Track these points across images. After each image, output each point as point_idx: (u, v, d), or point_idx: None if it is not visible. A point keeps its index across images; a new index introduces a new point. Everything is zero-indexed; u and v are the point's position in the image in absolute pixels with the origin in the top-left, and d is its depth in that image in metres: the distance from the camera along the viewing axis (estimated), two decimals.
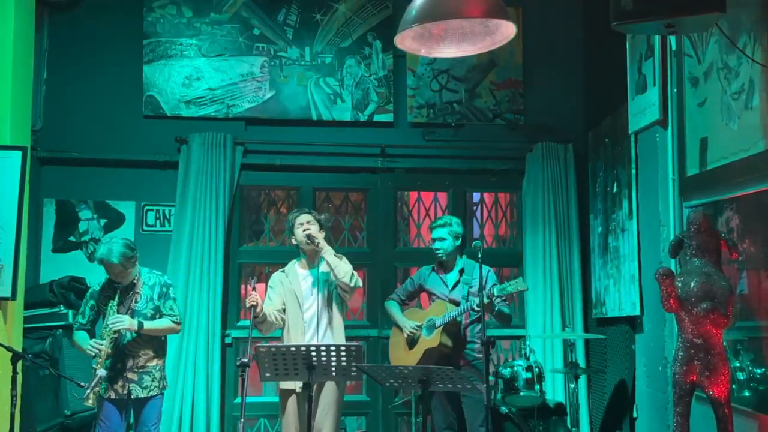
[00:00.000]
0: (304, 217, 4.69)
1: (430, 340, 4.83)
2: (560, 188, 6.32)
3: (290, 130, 6.41)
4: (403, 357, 4.96)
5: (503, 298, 4.63)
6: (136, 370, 4.58)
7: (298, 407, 4.53)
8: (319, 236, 4.59)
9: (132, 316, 4.55)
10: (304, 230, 4.62)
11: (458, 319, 4.77)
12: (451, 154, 6.49)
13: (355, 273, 4.61)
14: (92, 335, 4.66)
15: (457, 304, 4.83)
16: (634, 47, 5.03)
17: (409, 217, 6.74)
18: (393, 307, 5.16)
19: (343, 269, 4.54)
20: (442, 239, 4.94)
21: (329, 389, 4.54)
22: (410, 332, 4.93)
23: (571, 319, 6.18)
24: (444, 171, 6.52)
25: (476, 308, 4.59)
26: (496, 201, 6.76)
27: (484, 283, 4.74)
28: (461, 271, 4.95)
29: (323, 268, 4.61)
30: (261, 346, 4.04)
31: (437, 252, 4.96)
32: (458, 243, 4.98)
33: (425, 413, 4.01)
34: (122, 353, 4.55)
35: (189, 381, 5.88)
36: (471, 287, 4.81)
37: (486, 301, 4.52)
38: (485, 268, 4.82)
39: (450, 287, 4.95)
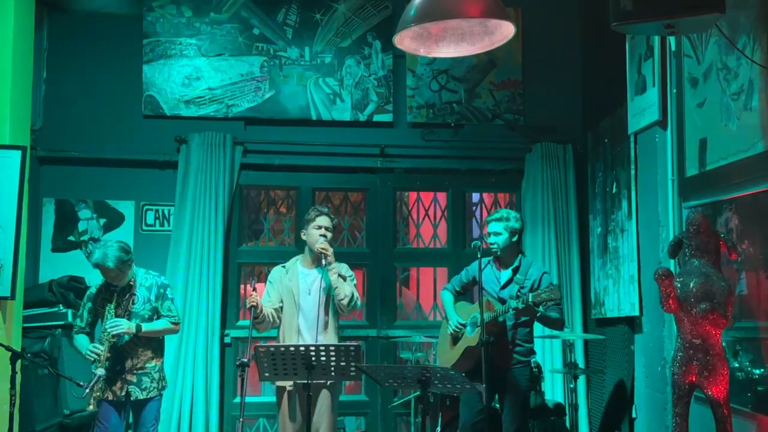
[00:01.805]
0: (324, 220, 4.63)
1: (471, 339, 4.62)
2: (559, 189, 6.32)
3: (290, 130, 6.41)
4: (446, 353, 4.80)
5: (541, 303, 4.40)
6: (135, 371, 4.58)
7: (290, 405, 4.53)
8: (331, 252, 4.54)
9: (129, 318, 4.55)
10: (322, 236, 4.57)
11: (500, 319, 4.52)
12: (451, 154, 6.49)
13: (356, 295, 4.58)
14: (92, 337, 4.66)
15: (503, 303, 4.60)
16: (633, 48, 5.03)
17: (409, 217, 6.75)
18: (446, 298, 4.94)
19: (344, 292, 4.51)
20: (497, 234, 4.67)
21: (326, 389, 4.54)
22: (454, 329, 4.75)
23: (570, 320, 6.18)
24: (443, 171, 6.53)
25: (512, 311, 4.44)
26: (496, 201, 6.76)
27: (537, 286, 4.62)
28: (515, 270, 4.72)
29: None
30: (260, 346, 4.04)
31: (491, 246, 4.70)
32: (515, 239, 4.72)
33: (425, 413, 4.00)
34: (121, 354, 4.54)
35: (188, 380, 5.89)
36: (522, 288, 4.63)
37: (521, 306, 4.38)
38: (540, 270, 4.74)
39: (501, 285, 4.72)
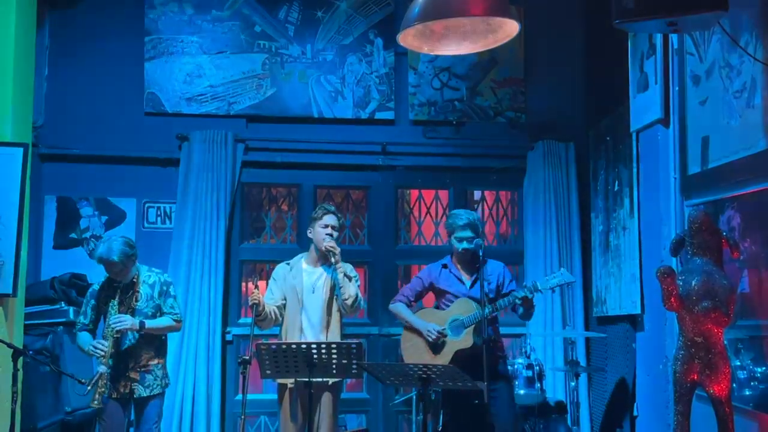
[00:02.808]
0: (331, 219, 4.63)
1: (461, 341, 4.60)
2: (561, 186, 6.31)
3: (291, 128, 6.41)
4: (429, 361, 4.67)
5: (553, 288, 4.48)
6: (138, 369, 4.58)
7: (291, 403, 4.53)
8: (339, 251, 4.54)
9: (133, 315, 4.55)
10: (328, 235, 4.58)
11: (494, 314, 4.58)
12: (452, 152, 6.49)
13: (360, 296, 4.60)
14: (95, 335, 4.66)
15: (478, 301, 4.57)
16: (635, 45, 5.02)
17: (410, 214, 6.74)
18: (403, 310, 4.88)
19: (348, 292, 4.52)
20: (471, 239, 4.67)
21: (328, 389, 4.54)
22: (436, 336, 4.66)
23: (572, 317, 6.18)
24: (445, 169, 6.52)
25: (518, 302, 4.48)
26: (497, 199, 6.76)
27: (501, 280, 4.73)
28: (477, 269, 4.71)
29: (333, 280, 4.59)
30: (262, 344, 4.05)
31: (468, 250, 4.69)
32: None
33: (426, 411, 4.00)
34: (124, 354, 4.55)
35: (190, 378, 5.89)
36: (489, 284, 4.66)
37: (529, 295, 4.44)
38: (499, 264, 4.80)
39: (469, 285, 4.75)
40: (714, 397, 3.48)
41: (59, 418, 5.23)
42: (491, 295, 4.63)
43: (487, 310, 4.47)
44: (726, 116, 3.93)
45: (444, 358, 4.65)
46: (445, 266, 4.87)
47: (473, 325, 4.60)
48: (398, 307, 4.91)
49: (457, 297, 4.75)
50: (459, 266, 4.84)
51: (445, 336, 4.69)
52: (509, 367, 5.06)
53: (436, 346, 4.72)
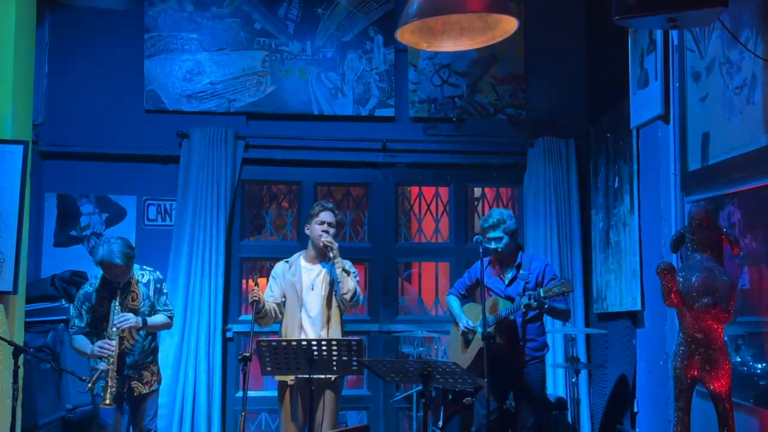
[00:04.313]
0: (327, 216, 4.63)
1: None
2: (562, 183, 6.31)
3: (291, 125, 6.41)
4: (459, 356, 4.80)
5: (550, 297, 4.43)
6: (135, 367, 4.60)
7: (292, 400, 4.54)
8: (335, 246, 4.55)
9: (135, 315, 4.55)
10: (324, 231, 4.58)
11: (511, 317, 4.58)
12: (453, 148, 6.49)
13: (359, 291, 4.60)
14: (90, 337, 4.62)
15: (512, 300, 4.63)
16: (636, 42, 5.02)
17: (411, 211, 6.74)
18: (452, 302, 4.97)
19: (347, 286, 4.52)
20: (498, 239, 4.67)
21: (329, 387, 4.54)
22: (464, 330, 4.77)
23: (573, 314, 6.17)
24: (445, 166, 6.52)
25: (523, 308, 4.47)
26: (498, 196, 6.76)
27: (541, 279, 4.69)
28: (518, 267, 4.75)
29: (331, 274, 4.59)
30: (262, 341, 4.05)
31: (496, 250, 4.71)
32: (514, 237, 4.77)
33: (426, 408, 4.00)
34: (122, 353, 4.54)
35: (190, 375, 5.89)
36: (528, 283, 4.67)
37: (534, 303, 4.40)
38: (542, 262, 4.80)
39: (506, 283, 4.76)
40: (714, 393, 3.48)
41: (60, 416, 5.24)
42: (522, 298, 4.60)
43: (504, 312, 4.53)
44: (726, 113, 3.93)
45: (470, 354, 4.72)
46: (491, 262, 4.88)
47: (496, 325, 4.62)
48: (449, 300, 5.03)
49: (497, 293, 4.78)
50: (499, 264, 4.85)
51: (475, 332, 4.72)
52: None
53: (467, 341, 4.80)
